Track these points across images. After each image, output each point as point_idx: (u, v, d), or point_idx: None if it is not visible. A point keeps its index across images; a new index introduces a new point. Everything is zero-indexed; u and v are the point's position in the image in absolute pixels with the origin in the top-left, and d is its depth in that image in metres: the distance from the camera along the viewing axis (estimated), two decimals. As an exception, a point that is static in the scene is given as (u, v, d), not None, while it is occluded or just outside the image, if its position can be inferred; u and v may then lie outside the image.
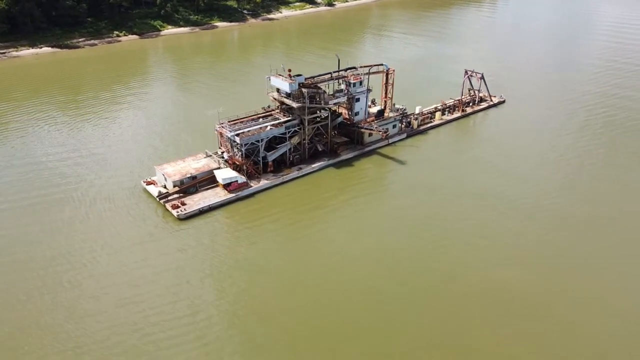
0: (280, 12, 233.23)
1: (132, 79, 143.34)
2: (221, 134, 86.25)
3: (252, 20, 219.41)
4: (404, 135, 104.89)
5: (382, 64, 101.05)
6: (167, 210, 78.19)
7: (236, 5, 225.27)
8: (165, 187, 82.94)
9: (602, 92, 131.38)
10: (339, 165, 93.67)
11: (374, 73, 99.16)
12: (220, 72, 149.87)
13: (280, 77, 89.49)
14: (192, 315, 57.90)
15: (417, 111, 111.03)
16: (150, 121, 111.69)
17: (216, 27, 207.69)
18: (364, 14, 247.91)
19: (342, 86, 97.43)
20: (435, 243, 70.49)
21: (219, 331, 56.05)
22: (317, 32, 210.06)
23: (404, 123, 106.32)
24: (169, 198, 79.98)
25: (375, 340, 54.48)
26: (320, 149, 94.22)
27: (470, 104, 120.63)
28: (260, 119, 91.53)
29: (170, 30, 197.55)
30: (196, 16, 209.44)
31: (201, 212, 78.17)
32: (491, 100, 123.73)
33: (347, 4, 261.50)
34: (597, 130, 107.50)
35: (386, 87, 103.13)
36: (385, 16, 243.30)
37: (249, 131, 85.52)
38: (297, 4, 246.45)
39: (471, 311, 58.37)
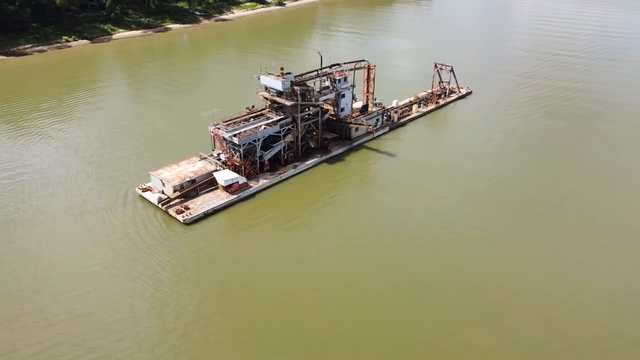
0: (233, 13, 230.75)
1: (96, 85, 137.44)
2: (216, 135, 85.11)
3: (205, 22, 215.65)
4: (387, 129, 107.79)
5: (363, 60, 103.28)
6: (170, 215, 76.51)
7: (187, 7, 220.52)
8: (163, 192, 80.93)
9: (547, 78, 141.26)
10: (331, 160, 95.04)
11: (358, 69, 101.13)
12: (186, 75, 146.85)
13: (271, 75, 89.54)
14: (243, 313, 57.47)
15: (394, 105, 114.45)
16: (128, 128, 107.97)
17: (169, 29, 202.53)
18: (315, 13, 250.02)
19: (327, 83, 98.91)
20: (441, 230, 73.70)
21: (279, 334, 56.02)
22: (275, 31, 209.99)
23: (385, 117, 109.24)
24: (171, 203, 78.26)
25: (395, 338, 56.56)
26: (312, 146, 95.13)
27: (442, 96, 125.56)
28: (252, 119, 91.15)
29: (122, 33, 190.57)
30: (147, 19, 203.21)
31: (206, 215, 77.14)
32: (460, 92, 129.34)
33: (296, 3, 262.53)
34: (548, 113, 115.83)
35: (367, 82, 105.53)
36: (335, 13, 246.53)
37: (245, 131, 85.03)
38: (248, 3, 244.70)
39: (471, 306, 59.42)
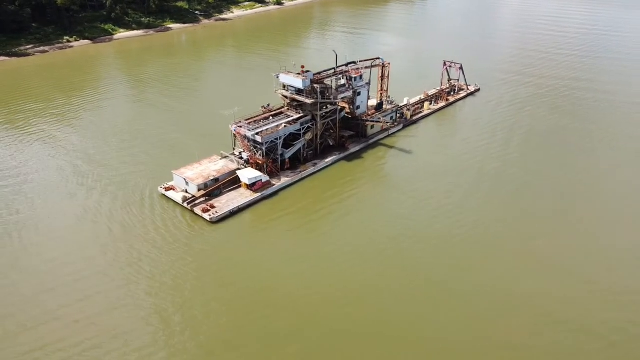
0: (232, 12, 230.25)
1: (101, 87, 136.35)
2: (238, 134, 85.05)
3: (205, 21, 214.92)
4: (401, 126, 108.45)
5: (378, 58, 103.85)
6: (195, 214, 76.40)
7: (187, 7, 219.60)
8: (186, 191, 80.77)
9: (554, 76, 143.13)
10: (349, 158, 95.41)
11: (374, 66, 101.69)
12: (192, 75, 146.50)
13: (291, 74, 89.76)
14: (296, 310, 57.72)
15: (405, 102, 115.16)
16: (139, 129, 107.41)
17: (170, 29, 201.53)
18: (313, 12, 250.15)
19: (343, 81, 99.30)
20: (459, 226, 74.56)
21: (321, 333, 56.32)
22: (276, 31, 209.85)
23: (398, 114, 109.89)
24: (196, 202, 78.16)
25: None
26: (331, 144, 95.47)
27: (451, 93, 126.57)
28: (270, 117, 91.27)
29: (123, 33, 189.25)
30: (148, 18, 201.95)
31: (232, 213, 77.17)
32: (468, 89, 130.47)
33: (294, 2, 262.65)
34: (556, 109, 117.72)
35: (382, 80, 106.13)
36: (333, 13, 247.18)
37: (267, 129, 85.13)
38: (247, 3, 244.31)
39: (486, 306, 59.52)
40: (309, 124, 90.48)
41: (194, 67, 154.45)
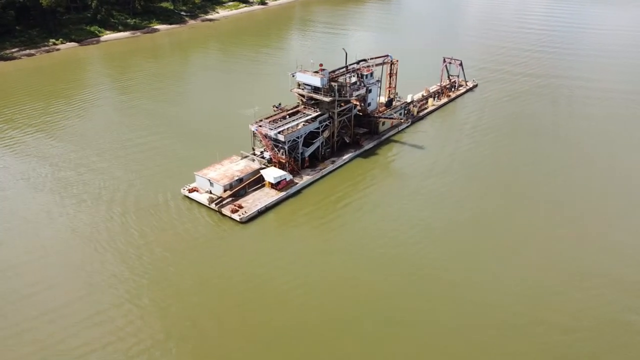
0: (218, 12, 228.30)
1: (93, 92, 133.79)
2: (260, 133, 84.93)
3: (192, 22, 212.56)
4: (409, 122, 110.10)
5: (387, 55, 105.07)
6: (223, 215, 76.14)
7: (172, 7, 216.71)
8: (210, 192, 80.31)
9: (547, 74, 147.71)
10: (364, 155, 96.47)
11: (385, 64, 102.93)
12: (197, 75, 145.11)
13: (308, 72, 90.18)
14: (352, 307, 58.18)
15: (409, 99, 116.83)
16: (151, 130, 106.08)
17: (157, 30, 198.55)
18: (297, 12, 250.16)
19: (354, 79, 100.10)
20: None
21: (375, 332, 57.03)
22: (264, 31, 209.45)
23: (405, 111, 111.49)
24: (223, 203, 77.84)
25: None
26: (347, 141, 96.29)
27: (452, 89, 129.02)
28: (287, 116, 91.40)
29: (110, 35, 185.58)
30: (133, 19, 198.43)
31: (259, 213, 77.19)
32: (467, 85, 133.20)
33: (278, 2, 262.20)
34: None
35: (390, 77, 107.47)
36: (314, 12, 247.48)
37: (288, 128, 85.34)
38: (231, 3, 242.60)
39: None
40: (326, 122, 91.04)
41: (195, 67, 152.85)
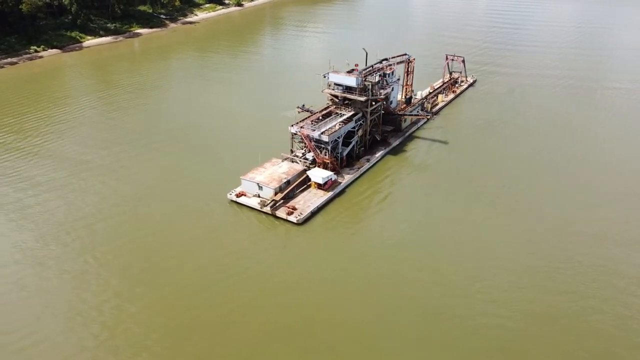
0: (196, 15, 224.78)
1: (78, 103, 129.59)
2: (302, 134, 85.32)
3: (172, 25, 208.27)
4: (434, 118, 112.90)
5: (405, 54, 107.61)
6: (277, 217, 76.31)
7: (150, 10, 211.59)
8: (259, 196, 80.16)
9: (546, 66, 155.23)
10: (393, 152, 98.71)
11: (403, 62, 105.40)
12: (201, 77, 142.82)
13: (341, 73, 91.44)
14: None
15: (419, 96, 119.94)
16: (170, 135, 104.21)
17: (139, 34, 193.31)
18: (273, 12, 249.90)
19: (377, 78, 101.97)
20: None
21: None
22: (245, 32, 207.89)
23: (421, 107, 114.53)
24: (276, 205, 77.97)
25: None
26: (378, 139, 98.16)
27: (456, 85, 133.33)
28: (321, 117, 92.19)
29: (92, 40, 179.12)
30: (114, 24, 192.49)
31: (313, 213, 77.87)
32: (467, 81, 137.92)
33: (253, 3, 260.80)
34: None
35: (407, 75, 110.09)
36: (289, 12, 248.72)
37: (330, 128, 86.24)
38: (208, 5, 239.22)
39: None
40: (360, 122, 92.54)
41: (194, 68, 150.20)
